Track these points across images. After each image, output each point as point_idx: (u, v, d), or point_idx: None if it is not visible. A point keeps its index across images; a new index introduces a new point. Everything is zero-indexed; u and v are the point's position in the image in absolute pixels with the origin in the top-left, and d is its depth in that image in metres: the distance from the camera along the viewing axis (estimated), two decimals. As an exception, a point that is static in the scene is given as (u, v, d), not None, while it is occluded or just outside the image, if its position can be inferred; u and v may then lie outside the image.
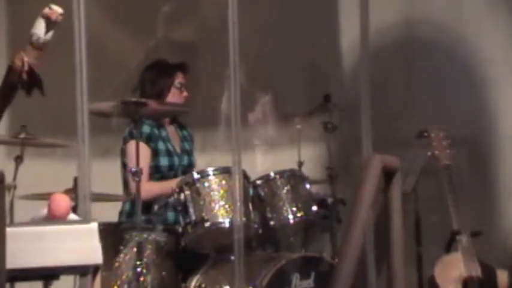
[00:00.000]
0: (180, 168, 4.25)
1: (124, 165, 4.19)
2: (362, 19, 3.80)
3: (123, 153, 4.18)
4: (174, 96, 4.27)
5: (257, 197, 4.03)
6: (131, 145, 4.00)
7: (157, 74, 4.29)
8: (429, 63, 5.01)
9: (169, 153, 4.24)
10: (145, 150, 4.09)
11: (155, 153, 4.18)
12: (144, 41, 4.88)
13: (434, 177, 4.06)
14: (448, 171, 3.93)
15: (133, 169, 3.76)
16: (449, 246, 3.95)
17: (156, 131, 4.23)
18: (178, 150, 4.29)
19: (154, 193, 4.04)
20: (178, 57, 4.62)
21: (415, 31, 5.04)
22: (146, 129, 4.18)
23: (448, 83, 4.99)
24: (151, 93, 4.23)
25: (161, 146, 4.22)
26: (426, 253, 4.36)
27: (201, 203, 3.87)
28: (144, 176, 3.96)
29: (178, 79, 4.31)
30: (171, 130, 4.33)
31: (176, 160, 4.25)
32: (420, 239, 4.39)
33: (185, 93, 4.31)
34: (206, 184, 3.89)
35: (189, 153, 4.35)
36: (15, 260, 2.55)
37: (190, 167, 4.30)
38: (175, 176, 4.18)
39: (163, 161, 4.20)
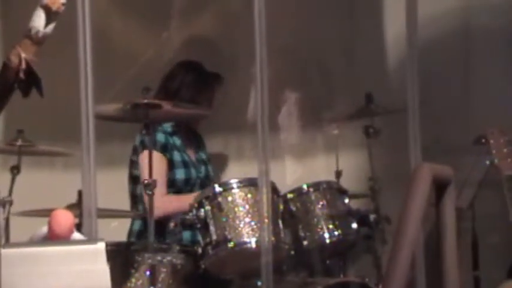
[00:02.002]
0: (197, 181, 4.30)
1: (132, 178, 4.24)
2: (409, 5, 3.82)
3: (133, 165, 4.23)
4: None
5: (288, 213, 4.07)
6: (145, 156, 4.04)
7: (196, 80, 4.32)
8: (490, 56, 4.99)
9: (185, 164, 4.28)
10: (161, 161, 4.12)
11: (170, 165, 4.23)
12: (156, 33, 4.92)
13: (495, 190, 4.06)
14: (511, 183, 3.93)
15: (146, 181, 3.80)
16: (511, 271, 3.95)
17: (170, 140, 4.28)
18: (194, 159, 4.34)
19: (171, 209, 4.09)
20: (196, 52, 4.66)
21: (474, 18, 5.03)
22: (161, 137, 4.23)
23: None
24: (186, 98, 4.24)
25: (176, 156, 4.27)
26: (485, 278, 4.36)
27: (224, 220, 3.90)
28: (162, 189, 4.01)
29: (215, 93, 4.35)
30: (184, 137, 4.36)
31: (193, 172, 4.30)
32: (478, 261, 4.39)
33: None
34: (229, 198, 3.93)
35: (205, 162, 4.40)
36: (11, 286, 2.59)
37: (208, 178, 4.35)
38: (192, 191, 4.23)
39: (180, 174, 4.26)
